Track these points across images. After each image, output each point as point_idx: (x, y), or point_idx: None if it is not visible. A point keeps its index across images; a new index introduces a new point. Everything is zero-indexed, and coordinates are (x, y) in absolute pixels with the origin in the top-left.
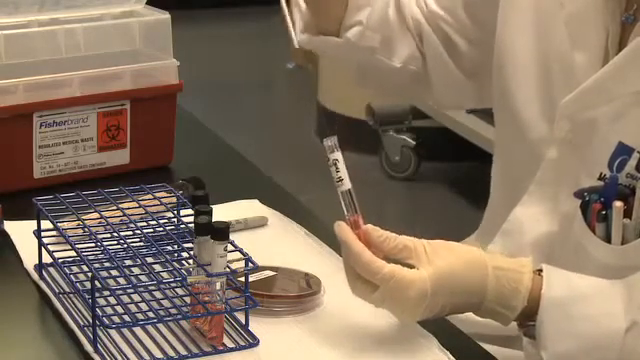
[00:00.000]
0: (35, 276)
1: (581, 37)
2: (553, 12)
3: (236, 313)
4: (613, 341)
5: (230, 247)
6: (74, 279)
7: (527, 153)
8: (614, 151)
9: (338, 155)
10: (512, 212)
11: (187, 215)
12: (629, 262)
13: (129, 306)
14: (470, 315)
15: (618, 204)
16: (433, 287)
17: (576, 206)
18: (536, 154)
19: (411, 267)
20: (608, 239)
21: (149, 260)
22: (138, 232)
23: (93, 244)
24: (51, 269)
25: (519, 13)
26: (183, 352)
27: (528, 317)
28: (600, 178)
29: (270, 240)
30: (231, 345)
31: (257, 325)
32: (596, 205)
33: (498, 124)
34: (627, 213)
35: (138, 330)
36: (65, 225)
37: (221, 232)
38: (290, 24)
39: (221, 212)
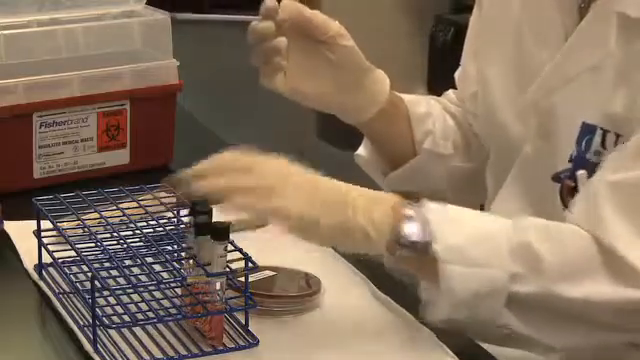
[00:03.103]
0: (35, 276)
1: (542, 34)
2: (520, 16)
3: (236, 313)
4: (501, 233)
5: (230, 247)
6: (74, 279)
7: (510, 154)
8: (580, 132)
9: None
10: (489, 211)
11: (187, 215)
12: None
13: (129, 306)
14: None
15: (581, 172)
16: (294, 167)
17: (554, 195)
18: (518, 154)
19: None
20: None
21: (149, 260)
22: (138, 232)
23: (93, 244)
24: (51, 269)
25: (493, 31)
26: (183, 352)
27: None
28: (571, 160)
29: (270, 240)
30: (231, 345)
31: (257, 325)
32: (567, 182)
33: (481, 130)
34: None
35: (138, 330)
36: (65, 225)
37: (221, 232)
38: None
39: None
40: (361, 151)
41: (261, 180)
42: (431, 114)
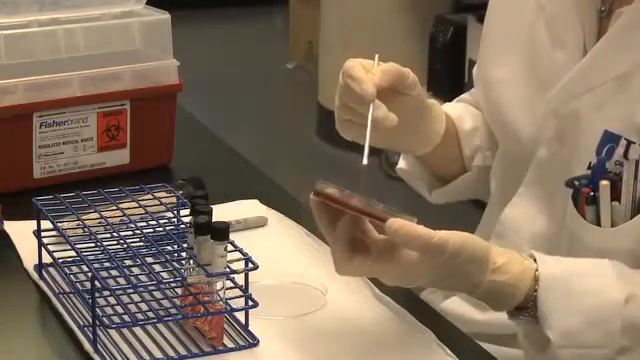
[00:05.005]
0: (35, 276)
1: (560, 36)
2: (535, 17)
3: (236, 313)
4: (615, 312)
5: (230, 247)
6: (74, 279)
7: (521, 155)
8: (600, 139)
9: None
10: (502, 213)
11: (187, 215)
12: (620, 245)
13: (129, 306)
14: (470, 315)
15: (604, 182)
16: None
17: (567, 200)
18: (529, 156)
19: None
20: (598, 222)
21: (149, 260)
22: (138, 232)
23: (93, 244)
24: (51, 269)
25: (502, 26)
26: (183, 352)
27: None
28: (590, 168)
29: (270, 240)
30: (231, 345)
31: (257, 325)
32: (585, 189)
33: (492, 129)
34: (616, 198)
35: (138, 330)
36: (65, 225)
37: (221, 232)
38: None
39: (221, 212)
40: (402, 165)
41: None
42: (477, 128)
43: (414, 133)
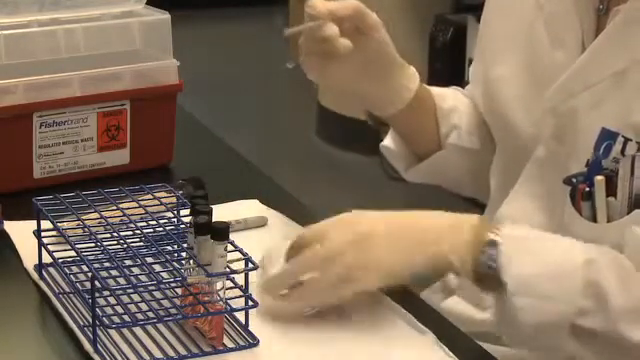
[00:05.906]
0: (35, 276)
1: (559, 36)
2: (534, 16)
3: (236, 313)
4: (575, 269)
5: (230, 247)
6: (74, 279)
7: (519, 153)
8: (598, 137)
9: None
10: (498, 211)
11: (187, 215)
12: (615, 241)
13: (129, 306)
14: (470, 314)
15: (599, 178)
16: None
17: (565, 198)
18: (528, 155)
19: None
20: (594, 219)
21: (149, 260)
22: (138, 232)
23: (93, 244)
24: (51, 269)
25: (501, 25)
26: (183, 352)
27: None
28: (588, 165)
29: (270, 240)
30: (231, 345)
31: (257, 325)
32: (581, 186)
33: (490, 128)
34: (612, 194)
35: (138, 330)
36: (65, 225)
37: (221, 232)
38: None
39: (221, 212)
40: (387, 142)
41: (344, 266)
42: (457, 108)
43: (381, 82)
